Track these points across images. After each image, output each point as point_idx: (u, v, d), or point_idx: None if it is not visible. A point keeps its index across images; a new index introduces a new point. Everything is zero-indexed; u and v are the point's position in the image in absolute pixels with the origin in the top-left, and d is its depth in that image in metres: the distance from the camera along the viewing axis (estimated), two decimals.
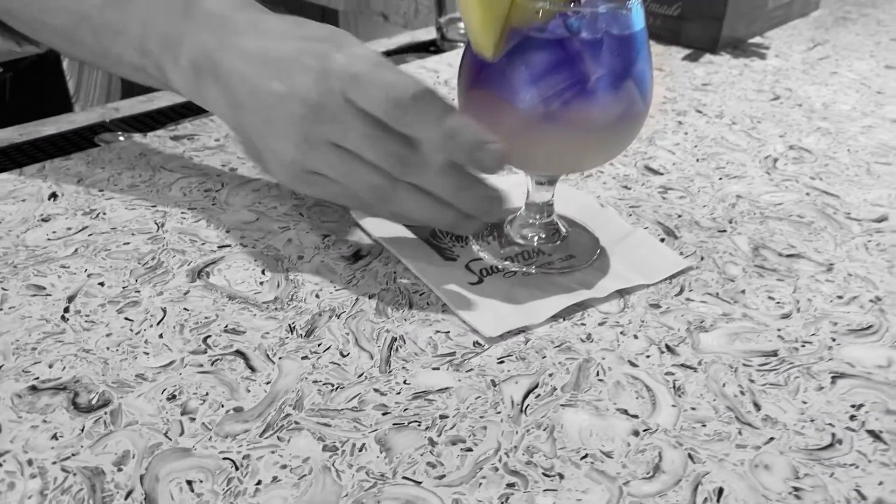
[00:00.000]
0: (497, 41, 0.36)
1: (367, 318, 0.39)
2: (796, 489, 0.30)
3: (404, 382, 0.35)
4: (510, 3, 0.36)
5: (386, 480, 0.30)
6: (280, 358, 0.36)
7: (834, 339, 0.39)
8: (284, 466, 0.30)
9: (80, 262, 0.42)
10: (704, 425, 0.33)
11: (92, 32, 0.45)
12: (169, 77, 0.43)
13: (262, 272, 0.42)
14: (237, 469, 0.30)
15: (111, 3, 0.44)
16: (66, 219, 0.45)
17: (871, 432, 0.33)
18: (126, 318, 0.38)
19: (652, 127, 0.62)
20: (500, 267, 0.43)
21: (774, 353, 0.38)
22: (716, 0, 0.80)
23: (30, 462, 0.30)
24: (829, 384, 0.36)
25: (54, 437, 0.31)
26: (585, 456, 0.31)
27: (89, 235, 0.44)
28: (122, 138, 0.57)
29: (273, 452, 0.31)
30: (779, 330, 0.39)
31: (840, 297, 0.42)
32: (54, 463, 0.30)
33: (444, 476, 0.30)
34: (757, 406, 0.34)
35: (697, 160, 0.57)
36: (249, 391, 0.34)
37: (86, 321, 0.37)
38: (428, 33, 0.88)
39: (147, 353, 0.35)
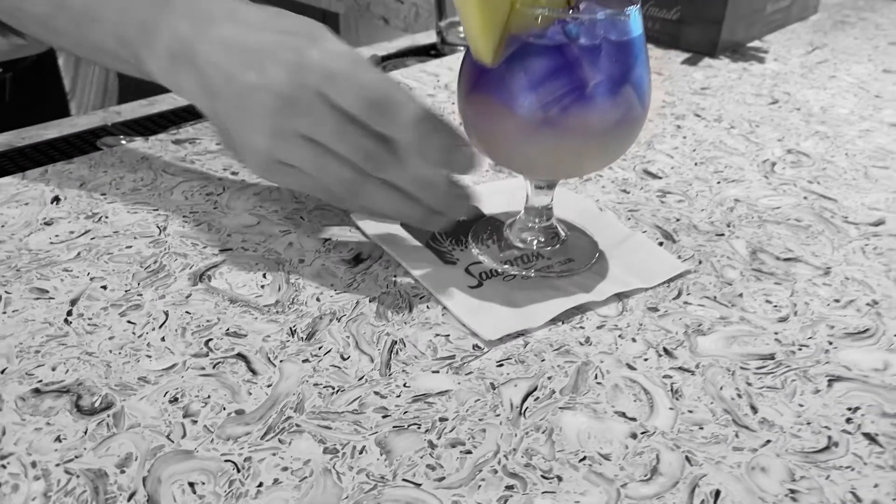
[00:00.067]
0: (496, 47, 0.36)
1: (367, 322, 0.39)
2: (792, 491, 0.31)
3: (404, 385, 0.35)
4: (509, 9, 0.36)
5: (386, 482, 0.30)
6: (281, 361, 0.36)
7: (831, 343, 0.39)
8: (286, 469, 0.30)
9: (83, 265, 0.42)
10: (702, 428, 0.33)
11: (70, 20, 0.45)
12: (146, 64, 0.43)
13: (264, 276, 0.42)
14: (239, 471, 0.30)
15: None
16: (69, 222, 0.46)
17: (866, 435, 0.33)
18: (128, 322, 0.38)
19: (651, 131, 0.63)
20: (499, 270, 0.43)
21: (771, 357, 0.38)
22: (715, 4, 0.80)
23: (33, 464, 0.30)
24: (826, 387, 0.36)
25: (58, 439, 0.31)
26: (584, 458, 0.32)
27: (92, 239, 0.44)
28: (124, 142, 0.57)
29: (274, 455, 0.31)
30: (776, 333, 0.39)
31: (837, 301, 0.42)
32: (58, 465, 0.30)
33: (443, 478, 0.30)
34: (754, 409, 0.35)
35: (696, 164, 0.58)
36: (251, 394, 0.34)
37: (88, 324, 0.38)
38: (428, 37, 0.88)
39: (149, 356, 0.36)
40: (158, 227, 0.46)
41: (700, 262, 0.45)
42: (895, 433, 0.34)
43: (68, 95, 0.87)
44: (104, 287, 0.40)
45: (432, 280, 0.42)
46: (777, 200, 0.53)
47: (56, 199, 0.48)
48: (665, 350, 0.38)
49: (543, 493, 0.30)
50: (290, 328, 0.38)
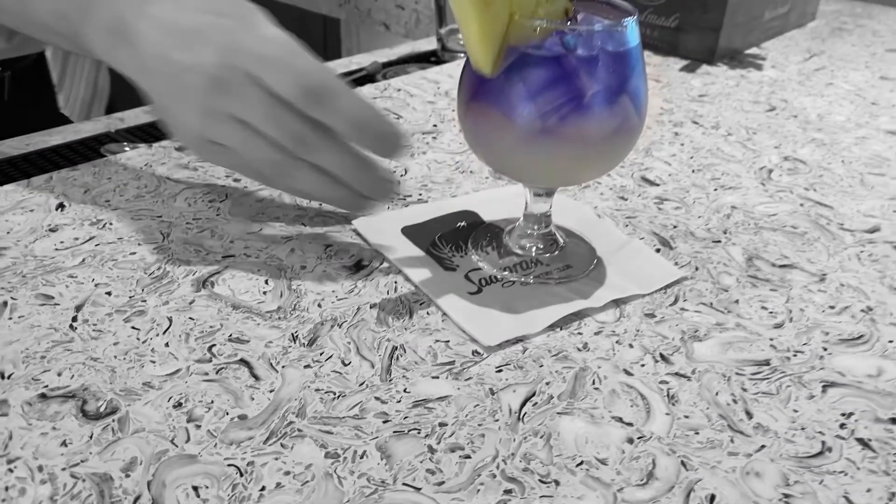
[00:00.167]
0: (495, 58, 0.37)
1: (368, 328, 0.39)
2: (786, 496, 0.31)
3: (404, 391, 0.35)
4: (508, 21, 0.37)
5: (386, 487, 0.31)
6: (283, 366, 0.37)
7: (825, 349, 0.40)
8: (288, 473, 0.31)
9: (88, 271, 0.42)
10: (697, 433, 0.34)
11: None
12: (86, 41, 0.44)
13: (266, 282, 0.43)
14: (242, 475, 0.31)
15: None
16: (74, 229, 0.46)
17: (860, 440, 0.34)
18: (133, 328, 0.38)
19: (649, 138, 0.63)
20: (498, 277, 0.44)
21: (767, 363, 0.38)
22: (713, 11, 0.81)
23: (40, 468, 0.31)
24: (821, 393, 0.37)
25: (63, 443, 0.32)
26: (581, 463, 0.32)
27: (96, 245, 0.45)
28: (127, 149, 0.58)
29: (277, 459, 0.32)
30: (771, 339, 0.40)
31: (832, 308, 0.43)
32: (64, 469, 0.31)
33: (443, 483, 0.31)
34: (749, 414, 0.35)
35: (693, 171, 0.58)
36: (253, 399, 0.35)
37: (93, 330, 0.38)
38: (429, 43, 0.89)
39: (153, 362, 0.36)
40: (162, 233, 0.46)
41: (697, 269, 0.46)
42: (888, 438, 0.34)
43: (56, 88, 0.88)
44: (109, 293, 0.41)
45: (432, 286, 0.43)
46: (773, 207, 0.53)
47: (61, 206, 0.49)
48: (662, 356, 0.38)
49: (541, 497, 0.31)
50: (292, 334, 0.39)
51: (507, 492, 0.31)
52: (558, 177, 0.42)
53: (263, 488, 0.30)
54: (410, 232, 0.48)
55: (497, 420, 0.34)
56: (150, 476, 0.30)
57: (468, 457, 0.32)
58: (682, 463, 0.32)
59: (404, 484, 0.31)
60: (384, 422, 0.34)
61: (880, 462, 0.33)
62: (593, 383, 0.37)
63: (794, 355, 0.39)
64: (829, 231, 0.51)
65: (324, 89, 0.39)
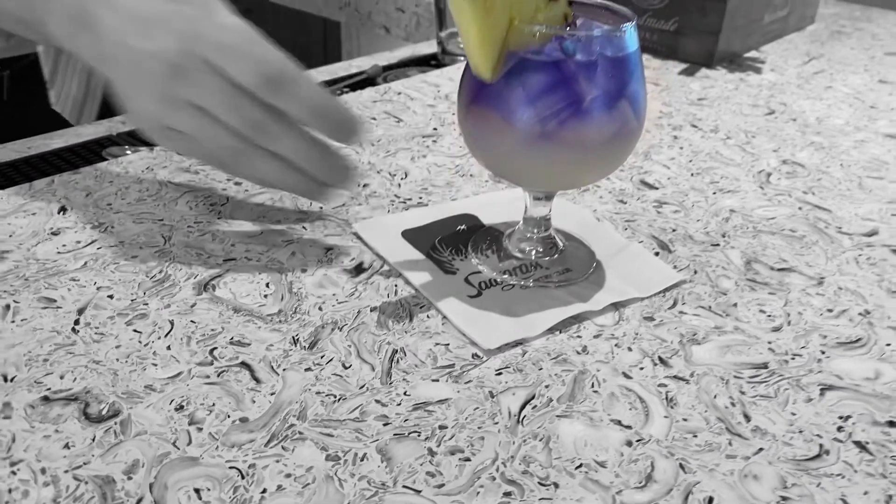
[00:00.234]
0: (495, 64, 0.37)
1: (368, 331, 0.40)
2: (784, 499, 0.31)
3: (404, 394, 0.36)
4: (508, 26, 0.37)
5: (387, 489, 0.31)
6: (284, 369, 0.37)
7: (823, 352, 0.40)
8: (289, 475, 0.31)
9: (90, 275, 0.43)
10: (696, 436, 0.34)
11: None
12: (48, 28, 0.44)
13: (267, 285, 0.43)
14: (243, 478, 0.31)
15: None
16: (76, 232, 0.47)
17: (857, 443, 0.34)
18: (135, 331, 0.39)
19: (648, 141, 0.64)
20: (498, 280, 0.44)
21: (765, 366, 0.39)
22: (712, 15, 0.81)
23: (43, 471, 0.31)
24: (818, 396, 0.37)
25: (66, 446, 0.32)
26: (580, 466, 0.32)
27: (98, 249, 0.45)
28: (129, 152, 0.58)
29: (278, 461, 0.32)
30: (769, 343, 0.40)
31: (830, 311, 0.43)
32: (66, 472, 0.31)
33: (443, 485, 0.31)
34: (747, 417, 0.35)
35: (692, 175, 0.58)
36: (254, 402, 0.35)
37: (96, 333, 0.38)
38: (429, 46, 0.89)
39: (155, 365, 0.36)
40: (163, 237, 0.47)
41: (695, 272, 0.46)
42: (885, 441, 0.34)
43: (48, 85, 0.88)
44: (111, 296, 0.41)
45: (432, 289, 0.43)
46: (772, 211, 0.54)
47: (63, 210, 0.49)
48: (660, 359, 0.39)
49: (540, 499, 0.31)
50: (293, 337, 0.39)
51: (507, 494, 0.31)
52: (557, 181, 0.43)
53: (265, 490, 0.30)
54: (410, 235, 0.48)
55: (497, 423, 0.34)
56: (152, 478, 0.31)
57: (468, 459, 0.32)
58: (681, 465, 0.33)
59: (404, 486, 0.31)
60: (384, 424, 0.34)
61: (877, 465, 0.33)
62: (592, 386, 0.37)
63: (792, 358, 0.39)
64: (827, 234, 0.51)
65: (283, 77, 0.39)
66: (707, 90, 0.77)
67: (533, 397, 0.36)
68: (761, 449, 0.34)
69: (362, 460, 0.32)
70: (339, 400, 0.35)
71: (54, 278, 0.42)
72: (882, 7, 1.12)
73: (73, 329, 0.39)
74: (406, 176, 0.56)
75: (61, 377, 0.35)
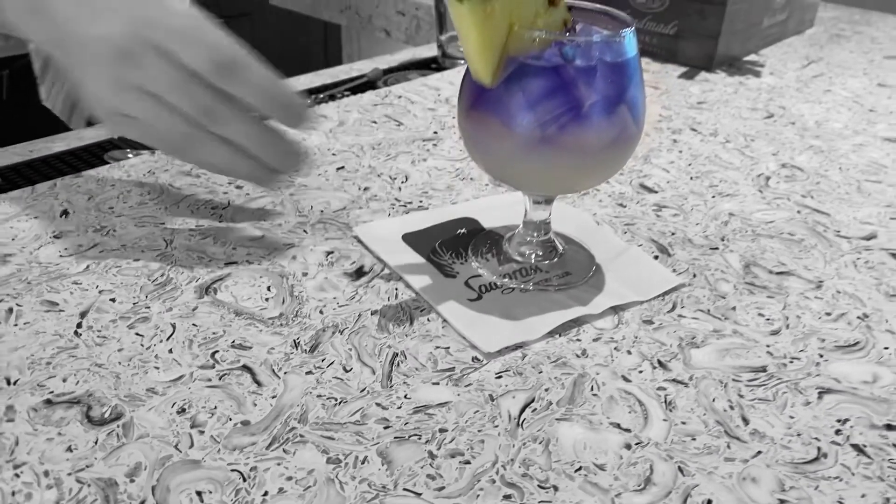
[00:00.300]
0: (495, 69, 0.37)
1: (369, 334, 0.40)
2: (782, 501, 0.32)
3: (405, 397, 0.36)
4: (508, 32, 0.37)
5: (387, 492, 0.31)
6: (285, 373, 0.37)
7: (821, 356, 0.40)
8: (290, 478, 0.31)
9: (92, 278, 0.43)
10: (694, 439, 0.34)
11: None
12: (4, 14, 0.44)
13: (268, 288, 0.43)
14: (245, 480, 0.31)
15: None
16: (78, 236, 0.47)
17: (855, 446, 0.34)
18: (137, 334, 0.39)
19: (647, 145, 0.64)
20: (498, 283, 0.44)
21: (763, 369, 0.39)
22: (711, 18, 0.81)
23: (46, 473, 0.31)
24: (816, 399, 0.37)
25: (69, 449, 0.32)
26: (579, 468, 0.33)
27: (100, 252, 0.45)
28: (130, 156, 0.58)
29: (279, 464, 0.32)
30: (768, 346, 0.40)
31: (828, 314, 0.43)
32: (69, 474, 0.31)
33: (443, 488, 0.31)
34: (745, 420, 0.36)
35: (691, 178, 0.59)
36: (256, 405, 0.35)
37: (98, 336, 0.39)
38: (430, 50, 0.89)
39: (157, 368, 0.37)
40: (165, 240, 0.47)
41: (694, 276, 0.46)
42: (883, 444, 0.35)
43: (38, 80, 0.88)
44: (113, 300, 0.41)
45: (433, 293, 0.43)
46: (771, 214, 0.54)
47: (65, 213, 0.49)
48: (659, 362, 0.39)
49: (540, 502, 0.31)
50: (294, 340, 0.39)
51: (507, 497, 0.31)
52: (557, 185, 0.43)
53: (266, 493, 0.31)
54: (411, 239, 0.48)
55: (497, 426, 0.35)
56: (154, 481, 0.31)
57: (468, 462, 0.33)
58: (680, 469, 0.33)
59: (405, 489, 0.31)
60: (385, 427, 0.34)
61: (875, 468, 0.33)
62: (592, 389, 0.37)
63: (791, 362, 0.39)
64: (825, 238, 0.51)
65: (233, 62, 0.40)
66: (706, 94, 0.77)
67: (533, 400, 0.36)
68: (760, 452, 0.34)
69: (363, 463, 0.32)
70: (339, 403, 0.35)
71: (56, 282, 0.42)
72: (881, 10, 1.12)
73: (76, 332, 0.39)
74: (406, 179, 0.56)
75: (64, 380, 0.36)
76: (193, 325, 0.40)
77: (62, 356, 0.37)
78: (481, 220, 0.51)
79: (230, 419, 0.34)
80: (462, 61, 0.82)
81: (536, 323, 0.41)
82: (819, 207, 0.55)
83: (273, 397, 0.35)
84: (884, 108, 0.75)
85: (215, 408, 0.35)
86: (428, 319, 0.41)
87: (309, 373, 0.37)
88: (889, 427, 0.36)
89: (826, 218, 0.54)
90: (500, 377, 0.37)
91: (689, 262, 0.48)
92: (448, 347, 0.39)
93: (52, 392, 0.35)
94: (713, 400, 0.37)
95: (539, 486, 0.32)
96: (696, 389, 0.37)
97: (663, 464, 0.33)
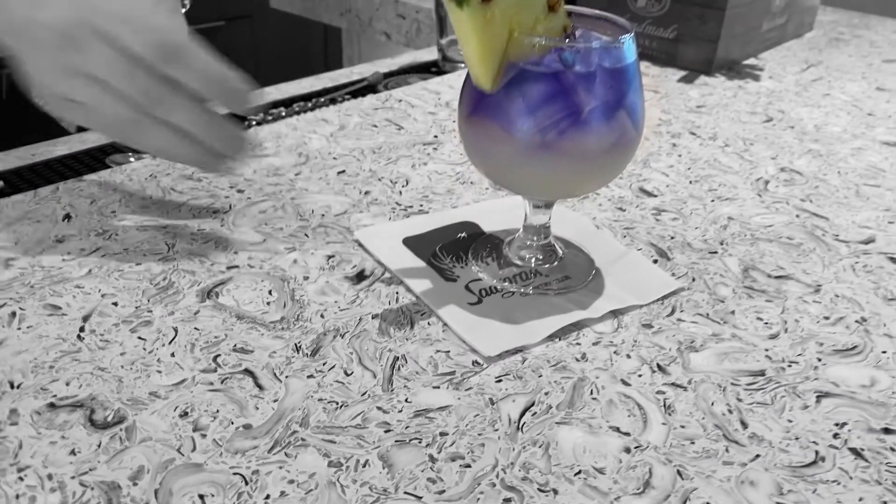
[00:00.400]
0: (495, 75, 0.38)
1: (370, 338, 0.40)
2: None
3: (406, 401, 0.36)
4: (508, 38, 0.37)
5: (388, 495, 0.31)
6: (287, 377, 0.37)
7: (820, 360, 0.40)
8: (292, 481, 0.32)
9: (94, 282, 0.43)
10: (693, 443, 0.35)
11: None
12: None
13: (269, 292, 0.43)
14: (247, 484, 0.31)
15: None
16: (80, 240, 0.47)
17: (853, 450, 0.35)
18: (139, 338, 0.39)
19: (647, 149, 0.64)
20: (498, 287, 0.44)
21: (762, 373, 0.39)
22: (711, 22, 0.82)
23: (49, 477, 0.31)
24: (815, 403, 0.37)
25: (72, 452, 0.32)
26: (579, 472, 0.33)
27: (102, 256, 0.46)
28: (132, 160, 0.58)
29: (281, 468, 0.32)
30: (766, 350, 0.41)
31: (827, 318, 0.44)
32: (73, 478, 0.31)
33: (443, 491, 0.32)
34: (744, 424, 0.36)
35: (690, 182, 0.59)
36: (258, 409, 0.35)
37: (101, 340, 0.39)
38: (430, 53, 0.90)
39: (160, 372, 0.37)
40: (167, 244, 0.47)
41: (693, 280, 0.46)
42: (881, 448, 0.35)
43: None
44: (115, 303, 0.42)
45: (433, 297, 0.43)
46: (770, 218, 0.54)
47: (67, 217, 0.49)
48: (658, 366, 0.39)
49: None
50: (296, 344, 0.39)
51: (507, 500, 0.31)
52: (557, 190, 0.43)
53: (268, 497, 0.31)
54: (412, 243, 0.48)
55: (497, 430, 0.35)
56: (157, 484, 0.31)
57: (468, 466, 0.33)
58: (678, 472, 0.33)
59: (406, 492, 0.31)
60: (386, 431, 0.34)
61: (872, 471, 0.34)
62: (591, 393, 0.37)
63: (789, 366, 0.40)
64: (824, 242, 0.51)
65: (177, 47, 0.40)
66: (706, 97, 0.77)
67: (532, 404, 0.36)
68: (758, 456, 0.34)
69: (364, 467, 0.33)
70: (341, 407, 0.36)
71: (59, 285, 0.43)
72: (880, 14, 1.12)
73: (79, 336, 0.39)
74: (407, 183, 0.57)
75: (67, 384, 0.36)
76: (195, 328, 0.40)
77: (65, 360, 0.37)
78: (481, 223, 0.51)
79: (232, 423, 0.34)
80: (462, 65, 0.82)
81: (536, 327, 0.41)
82: (818, 211, 0.55)
83: (275, 401, 0.36)
84: (882, 111, 0.75)
85: (217, 411, 0.35)
86: (428, 323, 0.41)
87: (310, 376, 0.37)
88: (887, 431, 0.36)
89: (825, 222, 0.54)
90: (500, 381, 0.38)
91: (688, 266, 0.48)
92: (448, 351, 0.39)
93: (55, 396, 0.35)
94: (712, 404, 0.37)
95: (539, 489, 0.32)
96: (695, 393, 0.37)
97: (662, 467, 0.33)
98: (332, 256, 0.47)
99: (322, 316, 0.42)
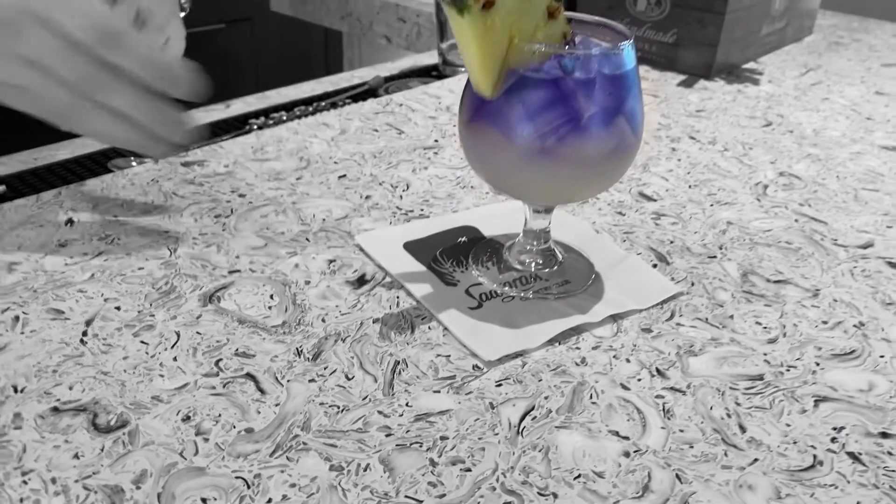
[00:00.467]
0: (495, 82, 0.38)
1: (371, 342, 0.40)
2: None
3: (406, 405, 0.36)
4: (508, 45, 0.38)
5: (389, 499, 0.32)
6: (288, 381, 0.37)
7: (818, 364, 0.40)
8: (293, 485, 0.32)
9: (97, 286, 0.43)
10: (692, 447, 0.35)
11: None
12: None
13: (271, 297, 0.43)
14: (249, 487, 0.32)
15: None
16: (83, 244, 0.47)
17: (850, 454, 0.35)
18: (142, 342, 0.39)
19: (646, 153, 0.64)
20: (498, 292, 0.45)
21: (760, 377, 0.39)
22: (710, 27, 0.82)
23: (53, 480, 0.31)
24: (812, 407, 0.38)
25: (76, 456, 0.33)
26: (578, 476, 0.33)
27: (105, 261, 0.46)
28: (134, 164, 0.59)
29: (282, 472, 0.32)
30: (765, 354, 0.41)
31: (825, 323, 0.44)
32: (76, 481, 0.31)
33: (444, 495, 0.32)
34: (742, 428, 0.36)
35: (690, 186, 0.59)
36: (259, 413, 0.35)
37: (103, 344, 0.39)
38: (430, 57, 0.90)
39: (162, 376, 0.37)
40: (169, 248, 0.47)
41: (692, 284, 0.47)
42: (878, 452, 0.35)
43: None
44: (118, 308, 0.42)
45: (434, 301, 0.44)
46: (768, 223, 0.54)
47: (70, 221, 0.50)
48: (658, 370, 0.39)
49: None
50: (297, 349, 0.40)
51: None
52: (556, 195, 0.44)
53: (270, 500, 0.31)
54: (412, 247, 0.49)
55: (497, 434, 0.35)
56: (159, 488, 0.31)
57: (469, 470, 0.33)
58: (677, 476, 0.33)
59: (406, 496, 0.32)
60: (387, 435, 0.35)
61: (870, 475, 0.34)
62: (591, 397, 0.37)
63: (787, 370, 0.40)
64: (822, 247, 0.52)
65: (116, 31, 0.40)
66: (705, 102, 0.77)
67: (532, 408, 0.37)
68: (756, 460, 0.34)
69: (365, 470, 0.33)
70: (342, 411, 0.36)
71: (62, 290, 0.43)
72: (880, 18, 1.13)
73: (82, 340, 0.39)
74: (408, 188, 0.57)
75: (70, 388, 0.36)
76: (197, 333, 0.40)
77: (68, 364, 0.38)
78: (482, 228, 0.51)
79: (234, 427, 0.35)
80: (462, 69, 0.82)
81: (536, 331, 0.41)
82: (816, 216, 0.56)
83: (276, 405, 0.36)
84: (881, 116, 0.75)
85: (219, 415, 0.35)
86: (429, 328, 0.42)
87: (312, 381, 0.38)
88: (884, 435, 0.36)
89: (823, 226, 0.54)
90: (500, 385, 0.38)
91: (687, 271, 0.48)
92: (449, 356, 0.40)
93: (58, 400, 0.35)
94: (710, 408, 0.37)
95: (539, 493, 0.32)
96: (694, 397, 0.38)
97: (661, 471, 0.33)
98: (333, 261, 0.47)
99: (323, 320, 0.42)
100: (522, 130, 0.39)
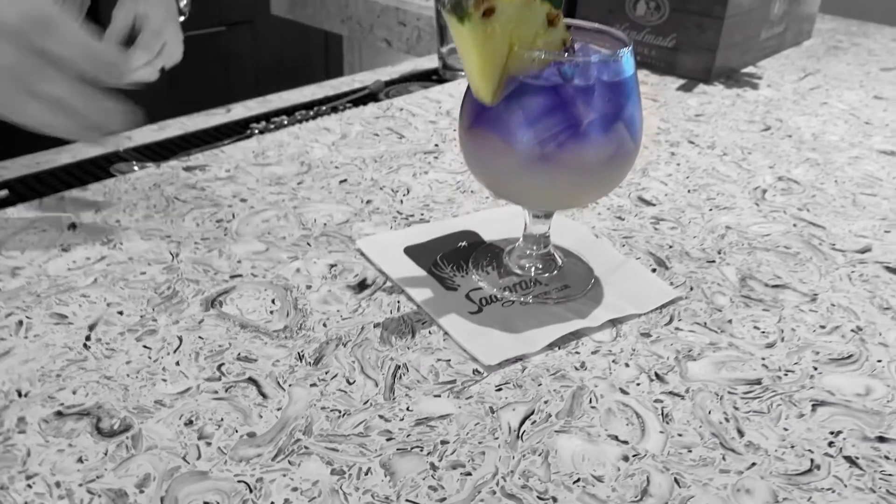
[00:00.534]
0: (496, 88, 0.38)
1: (371, 347, 0.41)
2: None
3: (407, 409, 0.37)
4: (508, 52, 0.38)
5: (390, 503, 0.32)
6: (290, 385, 0.38)
7: (816, 368, 0.41)
8: (295, 489, 0.32)
9: (100, 291, 0.44)
10: (690, 451, 0.35)
11: None
12: None
13: (273, 301, 0.44)
14: (251, 491, 0.32)
15: None
16: (85, 249, 0.48)
17: (847, 458, 0.35)
18: (144, 346, 0.40)
19: (646, 158, 0.65)
20: (498, 296, 0.45)
21: (758, 382, 0.40)
22: (709, 31, 0.82)
23: (57, 484, 0.32)
24: (810, 412, 0.38)
25: (80, 460, 0.33)
26: (578, 480, 0.33)
27: (108, 265, 0.46)
28: (136, 168, 0.59)
29: (284, 476, 0.33)
30: (763, 359, 0.41)
31: (823, 327, 0.44)
32: (80, 485, 0.32)
33: (444, 499, 0.32)
34: (740, 432, 0.36)
35: (689, 191, 0.60)
36: (262, 417, 0.36)
37: (106, 349, 0.39)
38: (431, 61, 0.90)
39: (165, 380, 0.38)
40: (171, 253, 0.48)
41: (691, 289, 0.47)
42: (875, 456, 0.35)
43: None
44: (120, 312, 0.42)
45: (434, 306, 0.44)
46: (767, 228, 0.55)
47: (73, 226, 0.50)
48: (657, 375, 0.40)
49: None
50: (298, 353, 0.40)
51: None
52: (556, 201, 0.44)
53: None
54: (413, 252, 0.49)
55: (497, 438, 0.35)
56: (163, 492, 0.32)
57: (469, 474, 0.33)
58: (676, 480, 0.34)
59: (407, 500, 0.32)
60: (388, 439, 0.35)
61: (867, 479, 0.34)
62: (590, 402, 0.38)
63: (785, 374, 0.40)
64: (821, 251, 0.52)
65: (50, 18, 0.41)
66: (704, 106, 0.78)
67: (532, 413, 0.37)
68: (754, 464, 0.35)
69: (366, 474, 0.33)
70: (343, 415, 0.36)
71: (65, 294, 0.43)
72: (879, 22, 1.13)
73: (85, 345, 0.40)
74: (408, 192, 0.57)
75: (74, 392, 0.36)
76: (200, 337, 0.41)
77: (72, 368, 0.38)
78: (482, 233, 0.52)
79: (236, 431, 0.35)
80: (462, 73, 0.83)
81: (536, 336, 0.42)
82: (815, 220, 0.56)
83: (278, 409, 0.36)
84: (879, 120, 0.76)
85: (222, 420, 0.35)
86: (429, 332, 0.42)
87: (313, 385, 0.38)
88: (881, 439, 0.36)
89: (821, 231, 0.54)
90: (500, 389, 0.38)
91: (686, 276, 0.48)
92: (449, 360, 0.40)
93: (62, 404, 0.36)
94: (709, 412, 0.37)
95: (538, 497, 0.32)
96: (693, 402, 0.38)
97: (660, 475, 0.34)
98: (334, 265, 0.48)
99: (324, 325, 0.42)
100: (522, 136, 0.39)
